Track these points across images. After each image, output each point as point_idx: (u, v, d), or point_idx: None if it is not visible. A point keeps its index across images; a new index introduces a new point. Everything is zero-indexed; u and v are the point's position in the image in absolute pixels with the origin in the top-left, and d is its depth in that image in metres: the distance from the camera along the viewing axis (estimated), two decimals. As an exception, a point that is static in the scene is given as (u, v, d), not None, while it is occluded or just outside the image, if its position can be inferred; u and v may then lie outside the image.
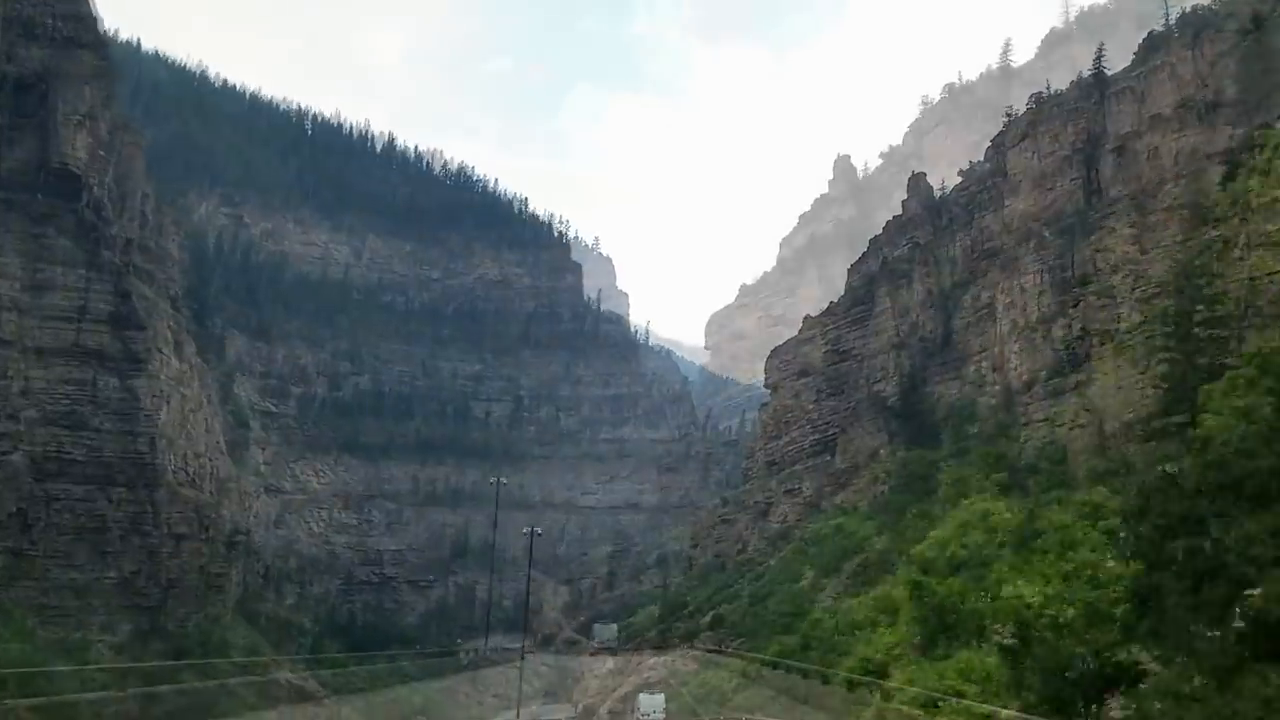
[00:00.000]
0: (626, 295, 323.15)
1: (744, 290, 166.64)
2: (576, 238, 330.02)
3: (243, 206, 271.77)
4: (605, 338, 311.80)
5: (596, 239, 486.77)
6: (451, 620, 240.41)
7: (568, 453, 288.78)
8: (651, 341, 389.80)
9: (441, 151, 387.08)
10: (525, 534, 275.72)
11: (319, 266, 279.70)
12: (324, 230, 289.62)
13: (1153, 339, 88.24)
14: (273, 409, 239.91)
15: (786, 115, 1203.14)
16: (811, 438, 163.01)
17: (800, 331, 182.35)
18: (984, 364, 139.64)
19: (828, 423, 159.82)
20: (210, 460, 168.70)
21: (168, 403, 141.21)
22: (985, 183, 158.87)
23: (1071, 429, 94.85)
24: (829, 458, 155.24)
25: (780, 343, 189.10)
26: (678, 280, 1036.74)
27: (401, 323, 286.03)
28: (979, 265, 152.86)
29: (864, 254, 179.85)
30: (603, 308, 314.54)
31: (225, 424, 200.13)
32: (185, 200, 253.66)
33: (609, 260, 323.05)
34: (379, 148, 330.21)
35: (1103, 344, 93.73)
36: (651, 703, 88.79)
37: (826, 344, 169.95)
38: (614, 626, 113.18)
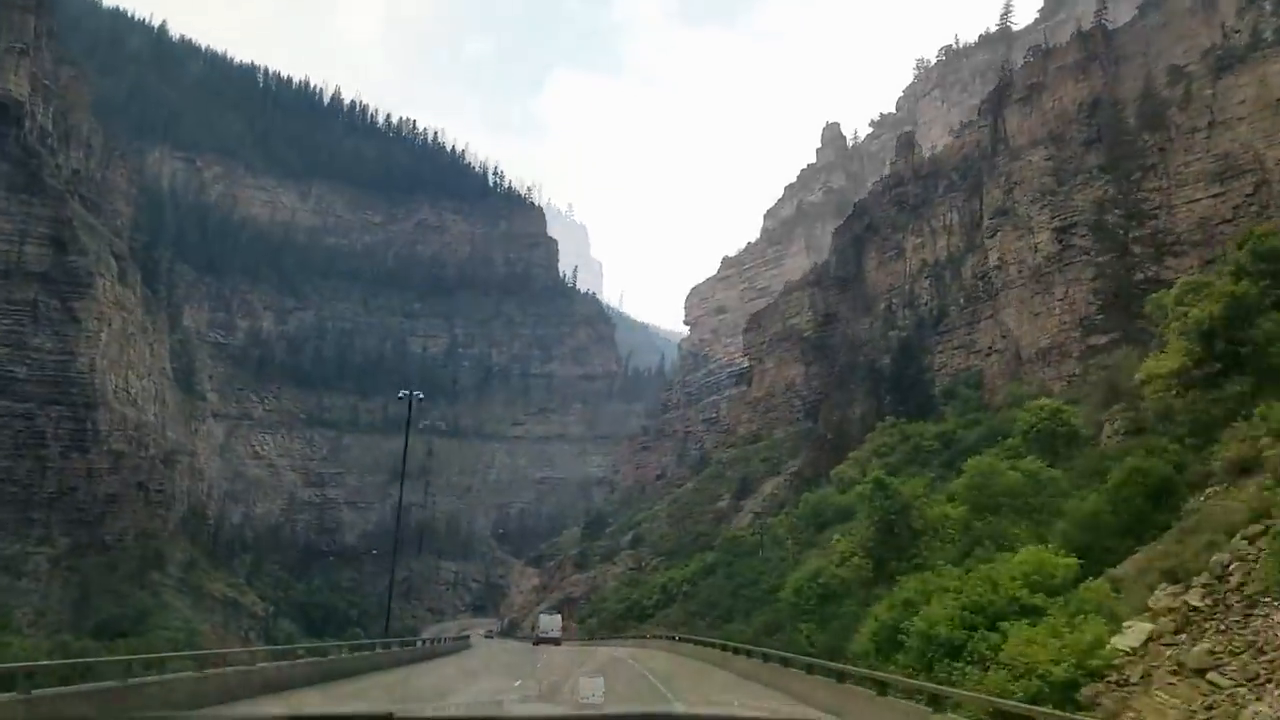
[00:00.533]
0: (555, 242, 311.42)
1: (726, 263, 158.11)
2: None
3: (198, 157, 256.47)
4: (577, 310, 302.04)
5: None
6: (388, 539, 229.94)
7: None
8: (629, 320, 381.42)
9: (414, 121, 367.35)
10: (456, 462, 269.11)
11: (267, 211, 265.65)
12: (273, 178, 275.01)
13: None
14: (221, 340, 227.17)
15: (768, 94, 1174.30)
16: (728, 369, 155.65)
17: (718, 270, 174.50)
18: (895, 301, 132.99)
19: (744, 355, 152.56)
20: (154, 383, 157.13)
21: (109, 325, 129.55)
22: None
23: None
24: (745, 388, 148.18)
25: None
26: (658, 263, 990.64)
27: (345, 264, 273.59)
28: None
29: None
30: (532, 256, 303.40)
31: (173, 351, 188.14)
32: (141, 147, 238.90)
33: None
34: (342, 112, 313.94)
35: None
36: (550, 622, 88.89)
37: (743, 283, 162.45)
38: (558, 617, 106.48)
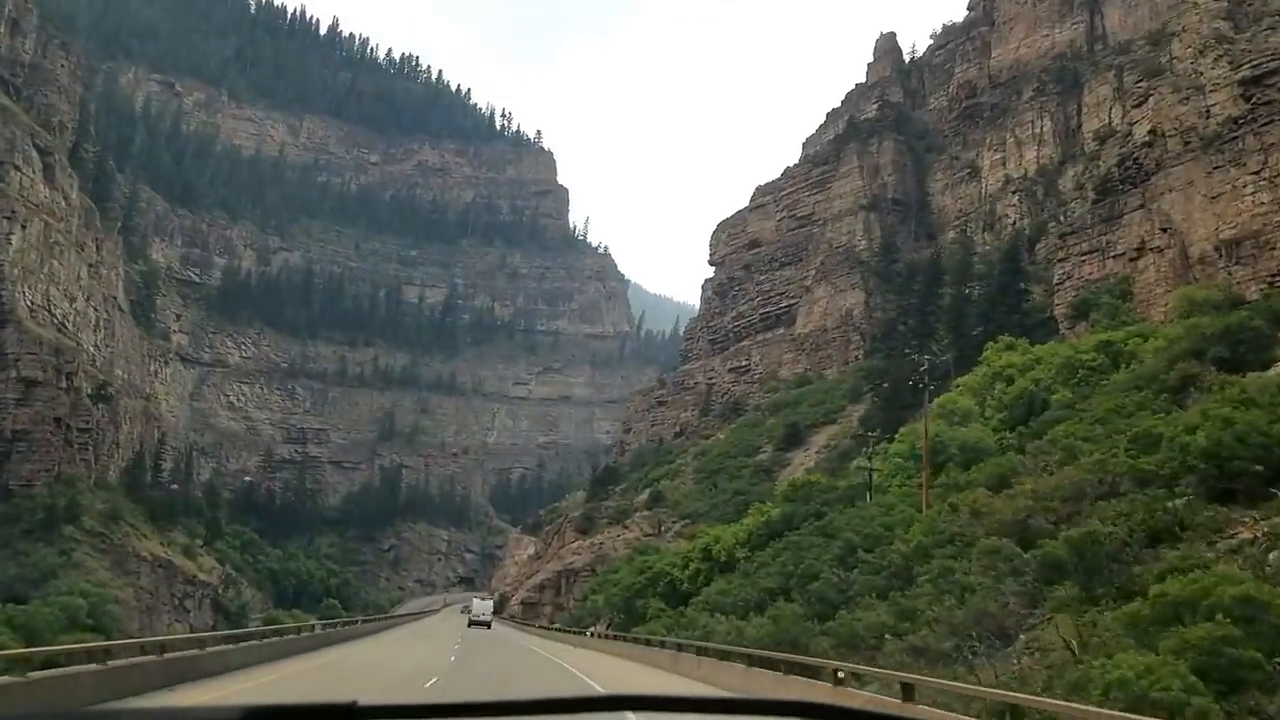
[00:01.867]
0: (566, 190, 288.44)
1: (759, 191, 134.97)
2: (519, 131, 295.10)
3: (178, 81, 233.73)
4: (588, 264, 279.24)
5: (539, 132, 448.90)
6: (373, 503, 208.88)
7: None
8: (640, 290, 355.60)
9: (417, 57, 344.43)
10: (453, 421, 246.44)
11: (253, 143, 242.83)
12: (260, 109, 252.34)
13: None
14: (195, 278, 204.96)
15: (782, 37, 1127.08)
16: (762, 310, 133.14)
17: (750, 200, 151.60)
18: (971, 222, 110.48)
19: (782, 293, 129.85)
20: (97, 310, 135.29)
21: (23, 227, 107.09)
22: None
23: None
24: (783, 330, 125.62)
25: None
26: (662, 232, 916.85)
27: (337, 204, 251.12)
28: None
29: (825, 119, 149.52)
30: (540, 204, 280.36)
31: (132, 284, 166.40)
32: (114, 68, 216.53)
33: (550, 154, 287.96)
34: (340, 44, 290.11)
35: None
36: (482, 606, 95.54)
37: (781, 212, 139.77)
38: (490, 603, 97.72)
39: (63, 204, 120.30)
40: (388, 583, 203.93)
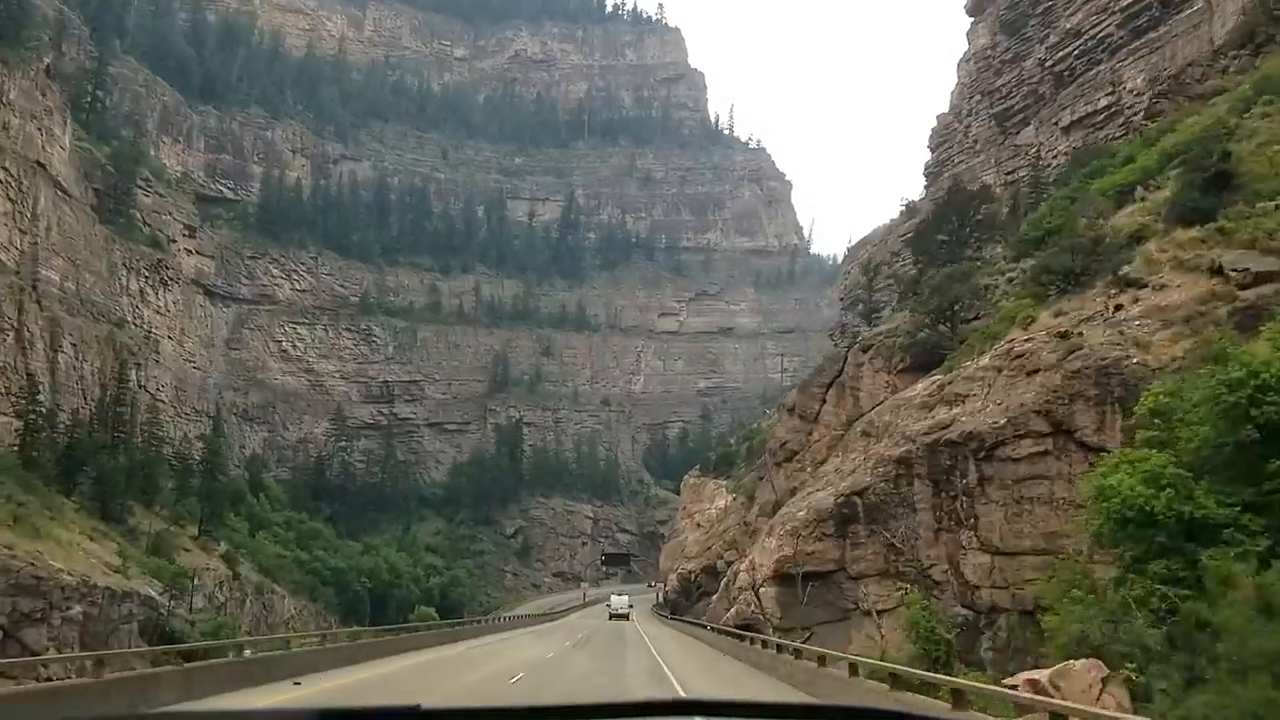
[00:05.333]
0: (701, 74, 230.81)
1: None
2: (636, 8, 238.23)
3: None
4: (738, 163, 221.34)
5: (660, 5, 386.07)
6: (488, 476, 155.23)
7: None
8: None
9: None
10: (585, 364, 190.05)
11: (303, 39, 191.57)
12: (329, 12, 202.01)
13: None
14: (227, 192, 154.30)
15: None
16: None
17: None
18: None
19: None
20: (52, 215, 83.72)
21: None
22: None
23: None
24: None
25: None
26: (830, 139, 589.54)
27: (416, 108, 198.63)
28: None
29: None
30: (671, 93, 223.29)
31: (108, 180, 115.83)
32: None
33: (677, 32, 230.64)
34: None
35: None
36: (619, 601, 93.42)
37: None
38: (626, 598, 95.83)
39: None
40: (515, 579, 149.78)
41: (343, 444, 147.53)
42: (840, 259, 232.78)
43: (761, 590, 40.41)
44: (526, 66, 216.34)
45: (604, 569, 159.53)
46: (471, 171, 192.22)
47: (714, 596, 58.67)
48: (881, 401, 45.56)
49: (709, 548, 75.41)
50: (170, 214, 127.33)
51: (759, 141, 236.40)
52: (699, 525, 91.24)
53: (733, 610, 43.97)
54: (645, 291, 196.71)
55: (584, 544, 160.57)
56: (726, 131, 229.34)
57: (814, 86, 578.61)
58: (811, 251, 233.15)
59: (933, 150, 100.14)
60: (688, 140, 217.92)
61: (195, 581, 77.27)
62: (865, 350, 51.82)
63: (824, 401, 54.72)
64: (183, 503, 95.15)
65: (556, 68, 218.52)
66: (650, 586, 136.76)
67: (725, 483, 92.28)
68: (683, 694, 23.93)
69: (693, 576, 78.53)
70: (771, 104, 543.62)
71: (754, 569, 41.73)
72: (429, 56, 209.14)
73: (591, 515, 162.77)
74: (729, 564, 59.77)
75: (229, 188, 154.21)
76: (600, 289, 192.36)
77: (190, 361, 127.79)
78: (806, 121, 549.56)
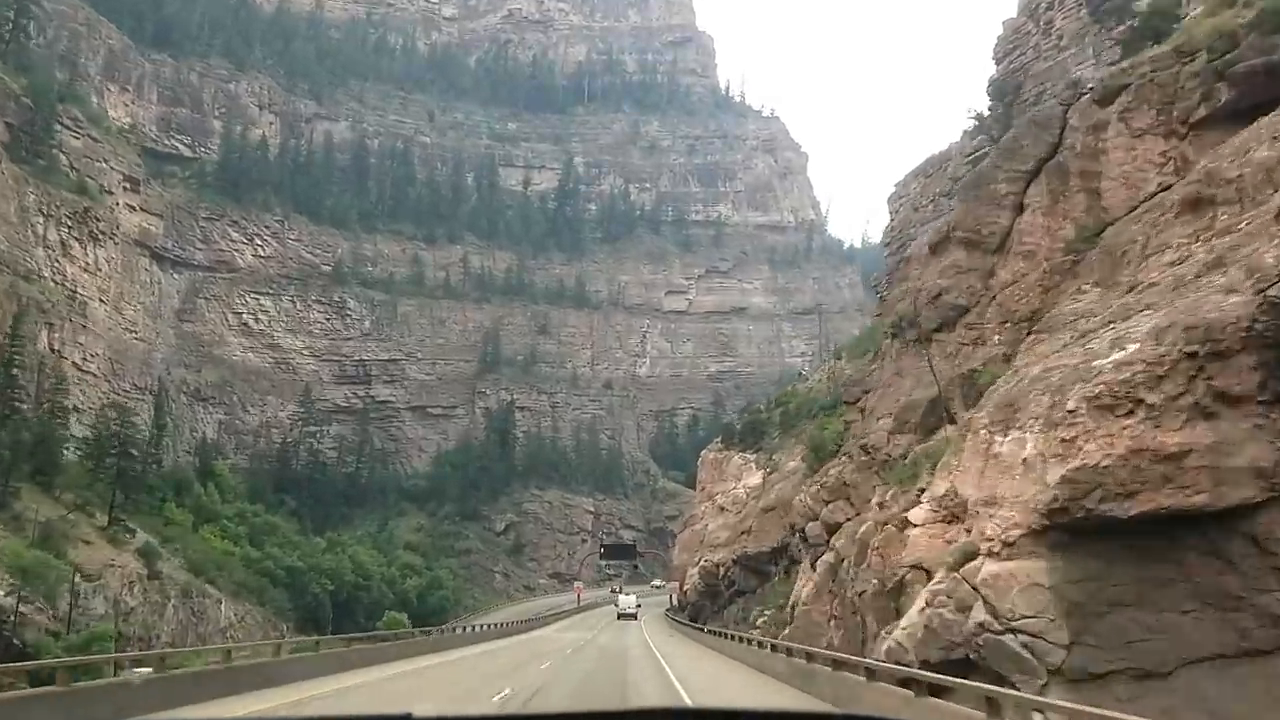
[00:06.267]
0: (710, 38, 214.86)
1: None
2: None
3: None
4: (750, 131, 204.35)
5: None
6: (476, 465, 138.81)
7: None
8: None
9: None
10: (586, 344, 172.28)
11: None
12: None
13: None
14: (182, 148, 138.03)
15: None
16: None
17: None
18: None
19: None
20: None
21: None
22: None
23: None
24: None
25: None
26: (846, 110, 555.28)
27: (401, 68, 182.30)
28: None
29: None
30: (678, 57, 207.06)
31: (23, 114, 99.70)
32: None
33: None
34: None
35: None
36: (626, 601, 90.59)
37: None
38: (633, 597, 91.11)
39: None
40: (506, 580, 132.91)
41: (311, 429, 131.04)
42: (858, 245, 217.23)
43: (996, 573, 20.07)
44: (522, 27, 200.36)
45: (604, 566, 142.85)
46: (460, 136, 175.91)
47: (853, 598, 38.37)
48: (1164, 188, 26.87)
49: (744, 531, 58.61)
50: (106, 161, 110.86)
51: (773, 110, 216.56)
52: (722, 509, 74.48)
53: (910, 627, 22.00)
54: (651, 267, 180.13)
55: (583, 541, 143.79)
56: (738, 100, 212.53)
57: (831, 57, 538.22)
58: (828, 233, 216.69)
59: (998, 61, 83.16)
60: (696, 107, 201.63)
61: (79, 580, 60.72)
62: (1108, 101, 30.52)
63: (1021, 209, 33.95)
64: (96, 488, 78.73)
65: (554, 28, 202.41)
66: (655, 587, 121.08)
67: (754, 456, 75.63)
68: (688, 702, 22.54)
69: (722, 571, 61.79)
70: (785, 76, 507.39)
71: (981, 527, 21.62)
72: (415, 14, 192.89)
73: (592, 510, 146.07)
74: (832, 530, 37.43)
75: (185, 143, 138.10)
76: (602, 263, 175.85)
77: (131, 331, 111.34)
78: (823, 98, 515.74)
